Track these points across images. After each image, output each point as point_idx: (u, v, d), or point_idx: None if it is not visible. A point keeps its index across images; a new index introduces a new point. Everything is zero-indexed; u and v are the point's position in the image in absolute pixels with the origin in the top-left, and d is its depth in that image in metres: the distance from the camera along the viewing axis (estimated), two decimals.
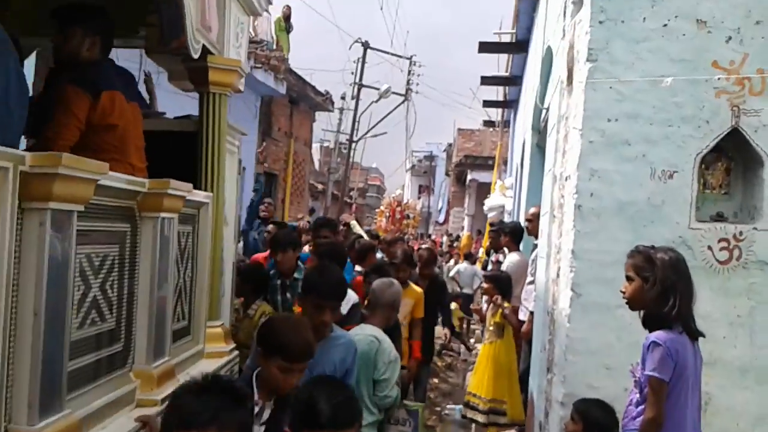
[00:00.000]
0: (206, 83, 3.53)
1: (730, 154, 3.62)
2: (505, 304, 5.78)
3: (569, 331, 3.58)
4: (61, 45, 3.01)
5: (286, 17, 15.61)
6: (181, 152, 3.51)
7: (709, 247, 3.49)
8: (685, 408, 2.73)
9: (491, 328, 5.90)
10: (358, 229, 8.86)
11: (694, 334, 2.81)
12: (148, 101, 4.26)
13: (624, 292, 2.91)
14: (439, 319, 6.70)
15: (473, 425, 6.17)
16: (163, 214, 2.71)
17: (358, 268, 5.99)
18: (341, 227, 8.35)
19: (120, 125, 2.95)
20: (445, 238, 22.67)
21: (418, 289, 5.66)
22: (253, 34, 14.25)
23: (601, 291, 3.51)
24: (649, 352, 2.72)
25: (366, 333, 3.67)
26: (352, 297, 4.52)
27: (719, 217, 3.60)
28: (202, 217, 3.37)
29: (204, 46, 3.25)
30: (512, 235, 7.07)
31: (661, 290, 2.74)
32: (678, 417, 2.72)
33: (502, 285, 5.89)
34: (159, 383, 2.67)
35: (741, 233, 3.47)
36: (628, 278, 2.90)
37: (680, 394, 2.72)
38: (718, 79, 3.44)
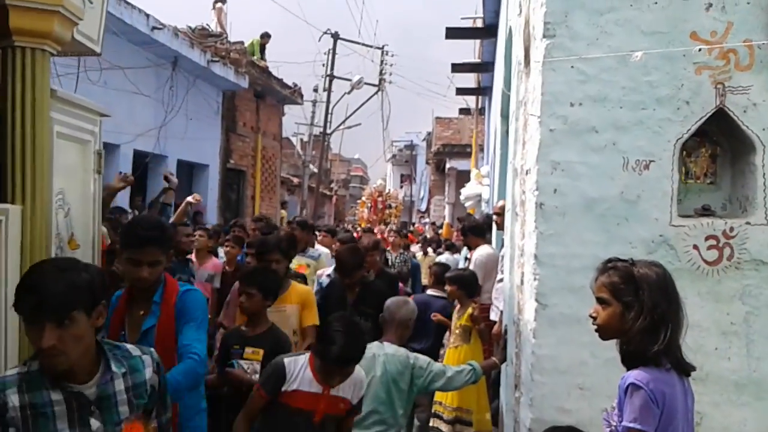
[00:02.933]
0: (7, 32, 2.43)
1: (715, 138, 3.19)
2: (470, 307, 5.31)
3: (535, 347, 3.11)
4: None
5: (262, 47, 15.48)
6: None
7: (695, 246, 3.03)
8: None
9: (457, 331, 5.45)
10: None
11: (686, 370, 2.31)
12: None
13: (595, 318, 2.37)
14: None
15: None
16: None
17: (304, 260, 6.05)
18: (256, 222, 7.85)
19: None
20: (428, 227, 22.24)
21: (302, 289, 4.61)
22: (212, 29, 13.74)
23: (569, 301, 3.04)
24: (627, 397, 2.17)
25: (389, 353, 3.79)
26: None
27: (705, 211, 3.14)
28: None
29: None
30: (473, 231, 6.71)
31: (651, 322, 2.20)
32: None
33: (466, 285, 5.42)
34: None
35: (732, 229, 3.02)
36: (601, 300, 2.34)
37: None
38: (699, 50, 2.96)
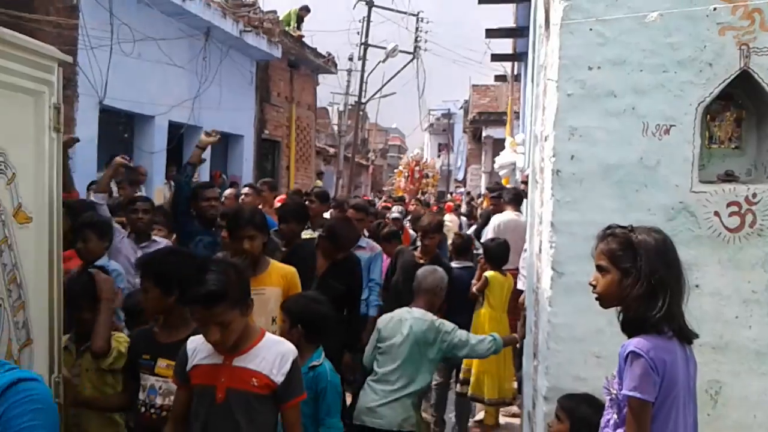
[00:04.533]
0: None
1: (740, 101, 3.08)
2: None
3: (551, 315, 3.10)
4: None
5: (301, 18, 15.33)
6: None
7: (716, 213, 2.96)
8: (676, 431, 2.19)
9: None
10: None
11: (688, 337, 2.27)
12: None
13: (594, 286, 2.32)
14: None
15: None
16: None
17: None
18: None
19: None
20: (464, 197, 22.07)
21: (286, 269, 3.92)
22: None
23: (586, 269, 2.93)
24: (627, 365, 2.14)
25: (416, 316, 4.04)
26: None
27: (729, 177, 3.06)
28: None
29: None
30: (514, 201, 6.68)
31: (648, 288, 2.16)
32: None
33: (490, 255, 5.46)
34: None
35: (755, 195, 2.93)
36: (600, 268, 2.30)
37: (669, 414, 2.15)
38: (719, 10, 2.85)
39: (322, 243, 4.78)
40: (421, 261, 5.29)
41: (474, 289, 5.52)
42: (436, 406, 5.53)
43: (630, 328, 2.23)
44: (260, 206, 5.95)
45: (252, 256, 3.70)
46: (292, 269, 3.90)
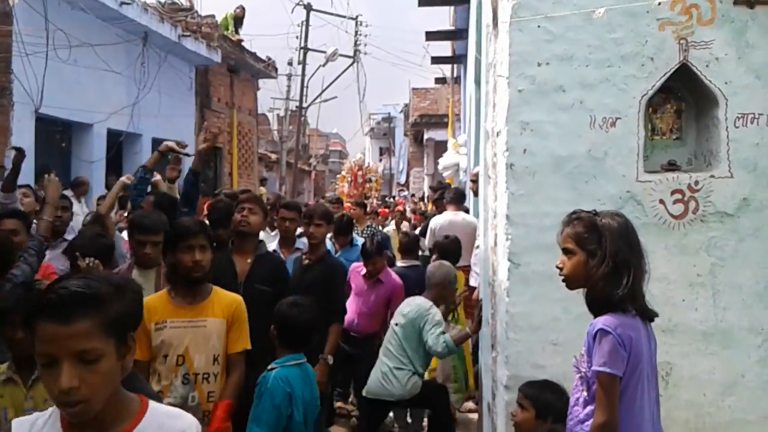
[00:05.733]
0: None
1: (679, 94, 3.22)
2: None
3: (509, 305, 3.16)
4: None
5: (238, 18, 15.13)
6: None
7: (662, 201, 3.08)
8: (642, 406, 2.28)
9: None
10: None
11: (650, 315, 2.37)
12: None
13: (561, 268, 2.43)
14: None
15: None
16: None
17: None
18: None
19: None
20: (408, 200, 22.19)
21: (230, 297, 3.33)
22: (182, 2, 13.53)
23: (541, 259, 3.07)
24: (596, 343, 2.24)
25: (418, 302, 4.65)
26: None
27: (671, 166, 3.19)
28: None
29: None
30: (455, 200, 6.76)
31: (613, 267, 2.27)
32: (635, 417, 2.27)
33: (445, 251, 5.52)
34: None
35: (696, 183, 3.07)
36: (567, 251, 2.41)
37: (636, 389, 2.26)
38: (659, 4, 2.98)
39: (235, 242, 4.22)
40: (307, 261, 4.77)
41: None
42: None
43: (596, 306, 2.32)
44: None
45: (200, 274, 3.18)
46: (239, 298, 3.35)
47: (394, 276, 5.49)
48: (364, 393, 4.71)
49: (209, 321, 3.18)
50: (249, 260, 4.10)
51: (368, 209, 11.09)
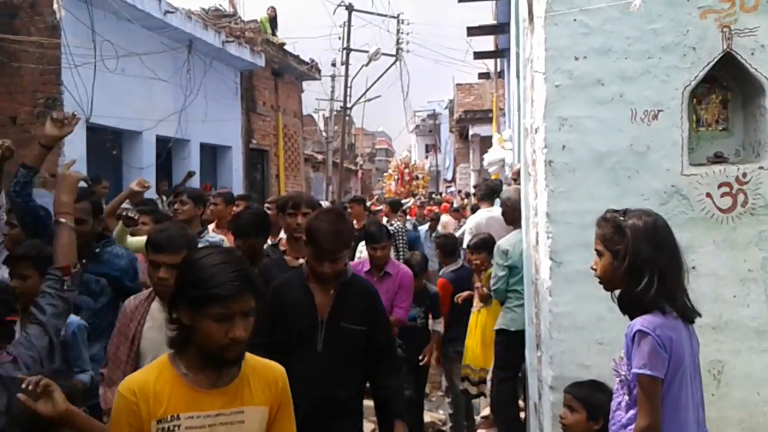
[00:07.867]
0: None
1: (725, 83, 3.12)
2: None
3: (552, 305, 3.11)
4: None
5: (272, 19, 15.35)
6: None
7: (708, 194, 2.99)
8: (687, 408, 2.21)
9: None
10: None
11: (691, 316, 2.31)
12: None
13: (595, 269, 2.40)
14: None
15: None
16: None
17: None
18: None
19: None
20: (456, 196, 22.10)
21: (274, 372, 2.21)
22: (225, 9, 13.74)
23: (584, 257, 2.98)
24: (635, 345, 2.19)
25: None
26: None
27: (718, 158, 3.09)
28: None
29: None
30: (487, 197, 6.72)
31: (630, 266, 2.24)
32: (680, 420, 2.20)
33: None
34: None
35: (745, 175, 2.97)
36: (597, 252, 2.39)
37: (680, 391, 2.20)
38: None
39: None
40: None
41: (484, 289, 5.45)
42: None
43: (625, 308, 2.28)
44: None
45: (237, 355, 2.02)
46: (281, 369, 2.21)
47: (401, 264, 5.18)
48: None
49: (247, 411, 2.06)
50: (331, 291, 3.11)
51: (402, 207, 11.02)
